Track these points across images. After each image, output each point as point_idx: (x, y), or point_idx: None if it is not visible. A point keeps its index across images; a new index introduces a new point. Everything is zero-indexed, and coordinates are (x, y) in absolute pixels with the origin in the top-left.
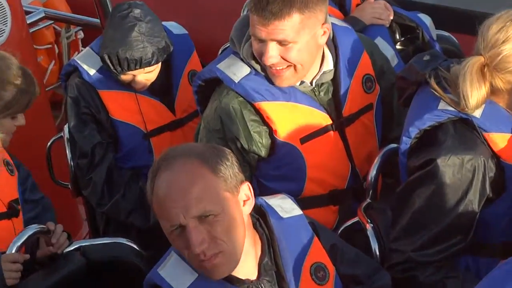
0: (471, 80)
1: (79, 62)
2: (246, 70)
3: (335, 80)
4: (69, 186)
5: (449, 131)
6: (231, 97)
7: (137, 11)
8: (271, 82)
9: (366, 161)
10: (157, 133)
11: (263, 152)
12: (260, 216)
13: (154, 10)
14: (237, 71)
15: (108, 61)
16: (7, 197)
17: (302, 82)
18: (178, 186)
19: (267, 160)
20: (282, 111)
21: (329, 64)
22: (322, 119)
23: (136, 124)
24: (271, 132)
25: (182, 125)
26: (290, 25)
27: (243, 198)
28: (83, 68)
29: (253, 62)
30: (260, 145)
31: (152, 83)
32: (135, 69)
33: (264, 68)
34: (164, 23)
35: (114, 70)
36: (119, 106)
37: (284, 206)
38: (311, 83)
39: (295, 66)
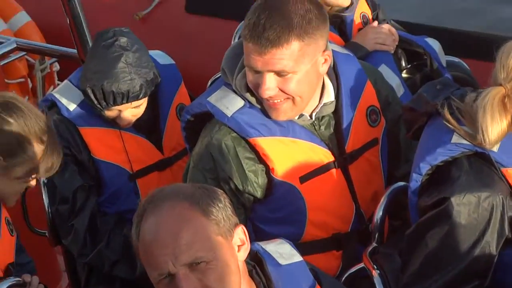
0: (492, 114)
1: (57, 96)
2: (239, 103)
3: (336, 113)
4: (47, 234)
5: (464, 167)
6: (224, 132)
7: (123, 40)
8: (267, 115)
9: (372, 202)
10: (144, 174)
11: (259, 193)
12: (256, 263)
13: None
14: (229, 104)
15: (92, 95)
16: (6, 259)
17: (301, 115)
18: (166, 231)
19: (263, 201)
20: (280, 147)
21: (330, 95)
22: (324, 155)
23: (120, 164)
24: (268, 171)
25: (170, 165)
26: (289, 54)
27: (238, 243)
28: (62, 103)
29: (247, 94)
30: (256, 185)
31: (138, 119)
32: (122, 103)
33: (259, 100)
34: (150, 52)
35: (98, 105)
36: (102, 145)
37: (283, 251)
38: (310, 116)
39: (293, 99)
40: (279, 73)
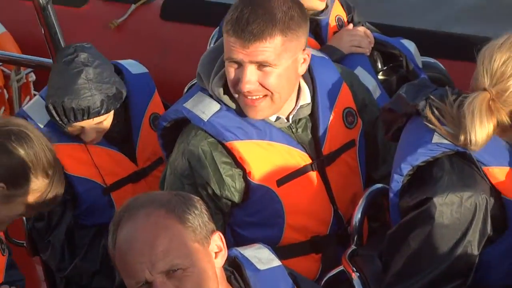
0: (481, 119)
1: (28, 112)
2: (215, 107)
3: (313, 115)
4: (25, 244)
5: (445, 167)
6: (200, 138)
7: (83, 56)
8: (244, 118)
9: (350, 204)
10: (118, 187)
11: (236, 197)
12: (235, 268)
13: (113, 46)
14: (205, 108)
15: (54, 112)
16: None
17: (278, 118)
18: (143, 238)
19: (241, 205)
20: (257, 151)
21: (306, 98)
22: (301, 158)
23: (93, 179)
24: (245, 174)
25: (145, 176)
26: (272, 47)
27: (215, 249)
28: (33, 120)
29: (224, 97)
30: (233, 189)
31: (110, 131)
32: (83, 119)
33: (236, 103)
34: (122, 61)
35: (60, 122)
36: (73, 160)
37: (261, 256)
38: (287, 118)
39: (272, 95)
40: (260, 65)
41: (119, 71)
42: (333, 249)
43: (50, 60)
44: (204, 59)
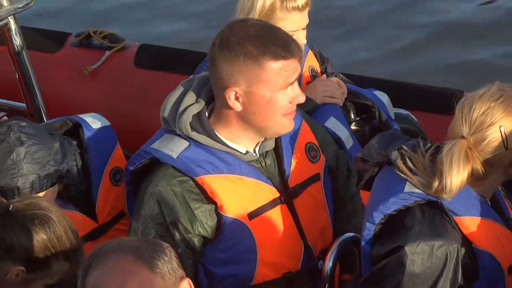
0: (458, 166)
1: None
2: (184, 144)
3: (277, 149)
4: None
5: (417, 216)
6: (169, 177)
7: (15, 136)
8: (212, 153)
9: (319, 237)
10: None
11: (209, 233)
12: None
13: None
14: (174, 146)
15: None
16: None
17: (247, 152)
18: (112, 284)
19: (213, 242)
20: (227, 185)
21: None
22: (270, 192)
23: None
24: (216, 209)
25: (105, 231)
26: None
27: None
28: None
29: (193, 134)
30: (206, 225)
31: (66, 191)
32: (14, 198)
33: (205, 138)
34: (82, 115)
35: None
36: None
37: None
38: (254, 151)
39: None
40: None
41: (79, 126)
42: (306, 285)
43: (24, 104)
44: (166, 105)
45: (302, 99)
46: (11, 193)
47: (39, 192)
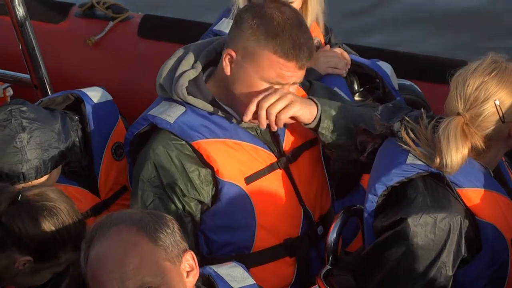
0: (456, 143)
1: None
2: (180, 109)
3: None
4: None
5: (419, 188)
6: (165, 142)
7: (16, 122)
8: (209, 118)
9: (318, 202)
10: None
11: (205, 198)
12: (209, 287)
13: (90, 62)
14: (171, 112)
15: None
16: None
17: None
18: (114, 256)
19: (211, 208)
20: (223, 149)
21: None
22: (267, 157)
23: None
24: (213, 173)
25: (108, 207)
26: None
27: (187, 268)
28: None
29: (190, 98)
30: (202, 190)
31: (68, 167)
32: (20, 183)
33: (202, 102)
34: (84, 90)
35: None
36: None
37: (235, 275)
38: None
39: None
40: (295, 83)
41: (81, 100)
42: (306, 251)
43: (28, 76)
44: (162, 71)
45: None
46: (16, 179)
47: (44, 176)
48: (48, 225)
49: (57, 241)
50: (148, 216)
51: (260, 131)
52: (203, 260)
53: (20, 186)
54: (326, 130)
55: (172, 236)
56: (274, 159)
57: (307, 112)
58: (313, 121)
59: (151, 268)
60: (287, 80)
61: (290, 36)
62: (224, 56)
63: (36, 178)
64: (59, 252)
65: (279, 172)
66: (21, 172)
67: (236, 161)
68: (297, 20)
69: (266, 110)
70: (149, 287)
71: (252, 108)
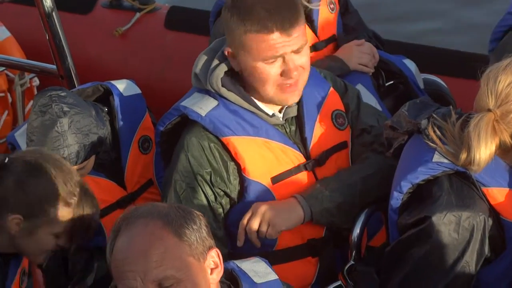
0: (486, 139)
1: (18, 139)
2: (213, 102)
3: (299, 116)
4: None
5: (445, 186)
6: (198, 132)
7: (57, 107)
8: (240, 114)
9: None
10: (106, 213)
11: (231, 191)
12: (232, 281)
13: (117, 53)
14: (203, 105)
15: None
16: None
17: (273, 115)
18: (138, 248)
19: (237, 205)
20: (252, 147)
21: None
22: (295, 157)
23: None
24: (240, 170)
25: (134, 200)
26: (302, 28)
27: (211, 265)
28: (21, 148)
29: (223, 90)
30: (229, 183)
31: (96, 158)
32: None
33: (237, 96)
34: (114, 82)
35: None
36: None
37: (258, 270)
38: (280, 111)
39: (303, 74)
40: (297, 50)
41: (110, 92)
42: (330, 252)
43: (54, 66)
44: (199, 60)
45: (296, 74)
46: None
47: (83, 161)
48: (34, 184)
49: (45, 198)
50: (175, 210)
51: (290, 129)
52: (227, 255)
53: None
54: (324, 218)
55: (198, 232)
56: (303, 160)
57: (290, 221)
58: (304, 220)
59: (174, 262)
60: (282, 50)
61: (261, 7)
62: (227, 55)
63: (76, 163)
64: (47, 207)
65: (305, 174)
66: (63, 157)
67: (264, 160)
68: None
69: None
70: (171, 282)
71: (242, 235)
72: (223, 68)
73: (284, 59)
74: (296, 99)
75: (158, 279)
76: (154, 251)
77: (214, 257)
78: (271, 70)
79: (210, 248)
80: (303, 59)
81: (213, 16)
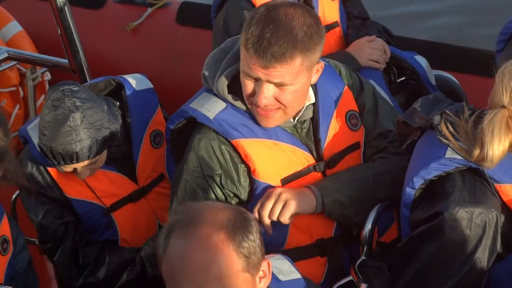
0: (499, 136)
1: (30, 134)
2: (221, 105)
3: (314, 117)
4: (36, 242)
5: (457, 182)
6: (208, 133)
7: (70, 101)
8: (249, 117)
9: None
10: (118, 207)
11: (242, 194)
12: None
13: (129, 48)
14: (211, 107)
15: (44, 153)
16: None
17: None
18: (198, 261)
19: (247, 207)
20: (262, 149)
21: (310, 98)
22: (305, 159)
23: (92, 201)
24: (249, 172)
25: (145, 194)
26: (291, 69)
27: (260, 275)
28: (33, 142)
29: (229, 96)
30: (239, 184)
31: (111, 153)
32: (72, 163)
33: (242, 102)
34: (126, 76)
35: (51, 162)
36: (70, 183)
37: (282, 268)
38: (293, 118)
39: (285, 109)
40: (277, 85)
41: (122, 87)
42: (339, 251)
43: (66, 60)
44: (209, 61)
45: (266, 103)
46: (69, 160)
47: (95, 156)
48: None
49: None
50: (235, 217)
51: (302, 130)
52: None
53: (72, 167)
54: (336, 210)
55: (254, 242)
56: (312, 161)
57: (305, 205)
58: (316, 209)
59: (230, 280)
60: (254, 72)
61: (263, 28)
62: None
63: (88, 158)
64: None
65: (315, 175)
66: (75, 151)
67: (273, 162)
68: (288, 20)
69: (269, 217)
70: None
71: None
72: (231, 73)
73: (259, 83)
74: (271, 125)
75: None
76: (215, 268)
77: (264, 267)
78: (247, 85)
79: (263, 258)
80: (285, 96)
81: (214, 12)
